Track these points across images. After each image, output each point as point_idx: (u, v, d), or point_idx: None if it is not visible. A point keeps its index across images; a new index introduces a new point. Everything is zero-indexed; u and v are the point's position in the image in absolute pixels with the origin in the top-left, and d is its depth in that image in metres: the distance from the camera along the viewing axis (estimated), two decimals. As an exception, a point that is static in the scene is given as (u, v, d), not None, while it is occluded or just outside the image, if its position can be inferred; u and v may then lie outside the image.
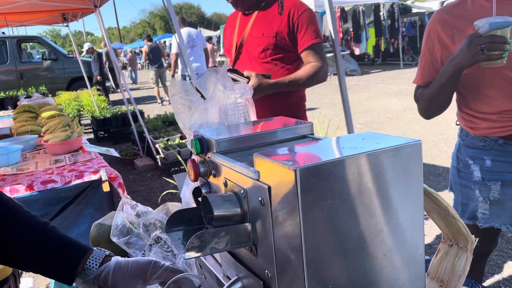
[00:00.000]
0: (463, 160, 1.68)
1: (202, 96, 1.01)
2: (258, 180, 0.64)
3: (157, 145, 5.77)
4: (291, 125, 0.85)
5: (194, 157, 0.86)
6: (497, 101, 1.53)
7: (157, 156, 5.76)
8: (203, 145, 0.81)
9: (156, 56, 11.65)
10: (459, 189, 1.72)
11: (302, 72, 2.05)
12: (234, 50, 2.19)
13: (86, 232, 2.45)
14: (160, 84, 11.87)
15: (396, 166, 0.62)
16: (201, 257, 0.87)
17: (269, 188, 0.61)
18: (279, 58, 2.09)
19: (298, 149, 0.65)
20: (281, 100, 2.11)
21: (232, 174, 0.72)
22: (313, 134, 0.87)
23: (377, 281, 0.64)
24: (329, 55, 12.89)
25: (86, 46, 12.47)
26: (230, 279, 0.75)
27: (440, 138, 5.86)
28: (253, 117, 1.08)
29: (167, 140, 5.90)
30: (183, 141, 5.78)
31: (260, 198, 0.64)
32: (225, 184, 0.75)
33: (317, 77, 2.06)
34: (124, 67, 24.98)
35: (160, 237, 1.11)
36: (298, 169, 0.55)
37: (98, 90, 11.47)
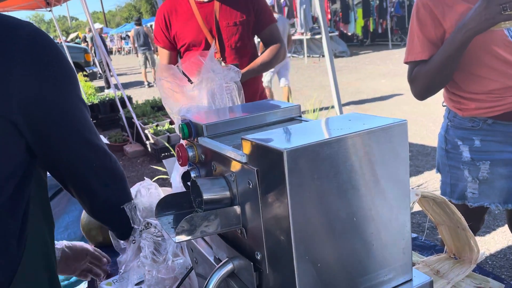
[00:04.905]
0: (452, 141, 1.69)
1: (189, 80, 1.00)
2: (246, 163, 0.64)
3: (146, 131, 5.74)
4: (279, 108, 0.86)
5: (182, 141, 0.86)
6: (487, 80, 1.52)
7: (147, 142, 5.74)
8: (191, 129, 0.81)
9: (142, 39, 11.56)
10: (447, 170, 1.74)
11: (267, 55, 2.16)
12: (212, 40, 2.14)
13: (77, 219, 2.44)
14: (149, 68, 11.74)
15: (382, 146, 0.62)
16: (192, 241, 0.88)
17: (257, 171, 0.61)
18: (248, 44, 2.18)
19: (285, 131, 0.65)
20: (252, 87, 2.16)
21: (221, 158, 0.72)
22: (301, 116, 0.87)
23: (366, 258, 0.65)
24: (317, 36, 12.84)
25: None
26: (221, 261, 0.76)
27: (429, 118, 5.90)
28: (241, 100, 1.07)
29: (157, 126, 5.87)
30: (173, 126, 5.75)
31: (248, 181, 0.64)
32: (214, 168, 0.75)
33: (280, 57, 2.22)
34: (111, 52, 24.60)
35: (149, 222, 1.11)
36: (285, 150, 0.55)
37: (85, 76, 11.31)
